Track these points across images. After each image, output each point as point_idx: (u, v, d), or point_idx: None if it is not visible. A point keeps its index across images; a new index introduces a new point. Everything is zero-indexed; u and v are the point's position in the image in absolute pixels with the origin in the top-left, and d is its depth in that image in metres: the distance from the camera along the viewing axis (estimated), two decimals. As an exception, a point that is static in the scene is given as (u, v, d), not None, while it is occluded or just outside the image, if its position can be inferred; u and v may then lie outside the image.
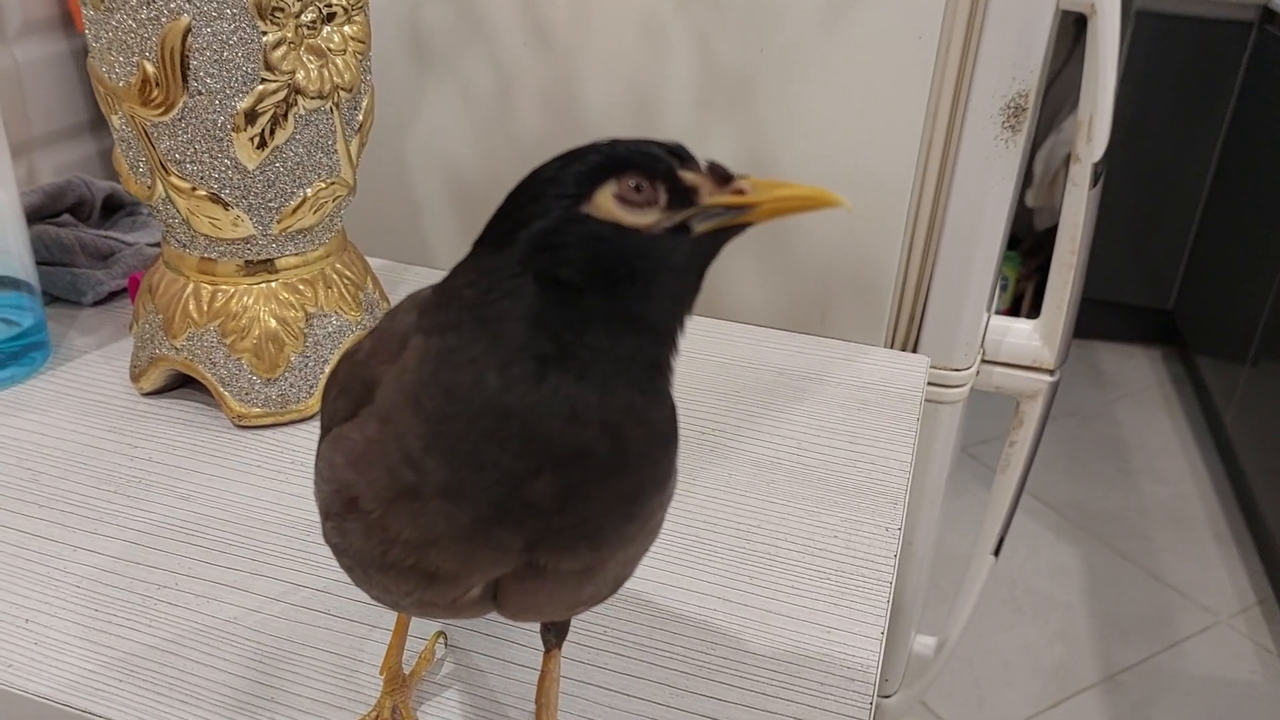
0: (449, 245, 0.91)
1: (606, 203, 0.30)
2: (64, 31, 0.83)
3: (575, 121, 0.83)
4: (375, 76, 0.86)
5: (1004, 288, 2.81)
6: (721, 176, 0.32)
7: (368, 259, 0.76)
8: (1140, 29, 2.33)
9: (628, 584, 0.37)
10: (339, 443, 0.34)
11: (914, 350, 0.86)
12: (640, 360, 0.31)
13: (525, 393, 0.30)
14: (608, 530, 0.32)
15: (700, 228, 0.31)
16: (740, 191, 0.32)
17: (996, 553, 1.00)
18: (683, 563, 0.50)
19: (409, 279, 0.75)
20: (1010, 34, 0.74)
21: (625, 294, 0.30)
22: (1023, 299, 2.84)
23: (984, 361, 0.91)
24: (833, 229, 0.81)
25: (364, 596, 0.46)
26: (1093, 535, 2.11)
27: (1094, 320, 2.72)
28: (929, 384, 0.86)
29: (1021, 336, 0.90)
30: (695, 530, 0.52)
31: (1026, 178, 2.80)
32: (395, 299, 0.72)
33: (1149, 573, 2.01)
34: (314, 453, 0.55)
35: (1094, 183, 0.81)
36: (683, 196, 0.31)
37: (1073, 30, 2.77)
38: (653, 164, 0.31)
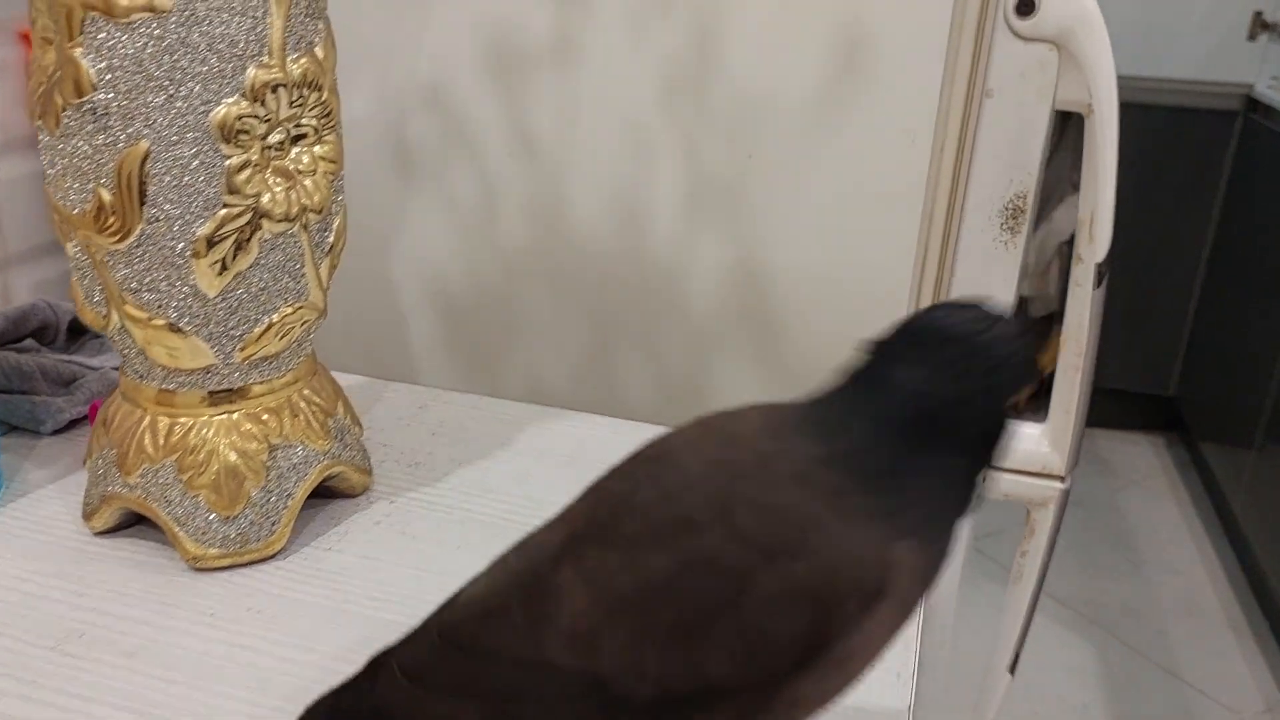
0: (434, 357, 0.88)
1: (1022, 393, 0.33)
2: (40, 148, 0.82)
3: (561, 231, 0.81)
4: (358, 189, 0.84)
5: (1002, 376, 2.78)
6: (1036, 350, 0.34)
7: (345, 376, 0.73)
8: (1125, 119, 2.34)
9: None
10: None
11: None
12: None
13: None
14: None
15: None
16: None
17: (1013, 669, 0.95)
18: None
19: (387, 396, 0.72)
20: (1006, 135, 0.72)
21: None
22: (1022, 387, 2.81)
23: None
24: (829, 333, 0.78)
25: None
26: (1106, 631, 2.05)
27: (1095, 408, 2.68)
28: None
29: (1029, 441, 0.87)
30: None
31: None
32: (371, 420, 0.69)
33: (1167, 670, 1.95)
34: (272, 596, 0.52)
35: (1098, 283, 0.78)
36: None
37: (1058, 120, 2.79)
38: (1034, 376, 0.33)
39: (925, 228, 0.76)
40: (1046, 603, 2.11)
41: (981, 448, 0.33)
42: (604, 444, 0.68)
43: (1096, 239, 0.77)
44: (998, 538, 2.21)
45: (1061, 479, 0.87)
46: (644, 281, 0.81)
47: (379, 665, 0.33)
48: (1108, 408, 2.71)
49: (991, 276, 0.76)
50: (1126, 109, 2.45)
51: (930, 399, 0.32)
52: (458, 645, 0.31)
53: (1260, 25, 2.23)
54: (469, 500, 0.60)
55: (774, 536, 0.29)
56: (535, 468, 0.64)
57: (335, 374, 0.73)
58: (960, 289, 0.76)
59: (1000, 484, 0.88)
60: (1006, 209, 0.74)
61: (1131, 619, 2.09)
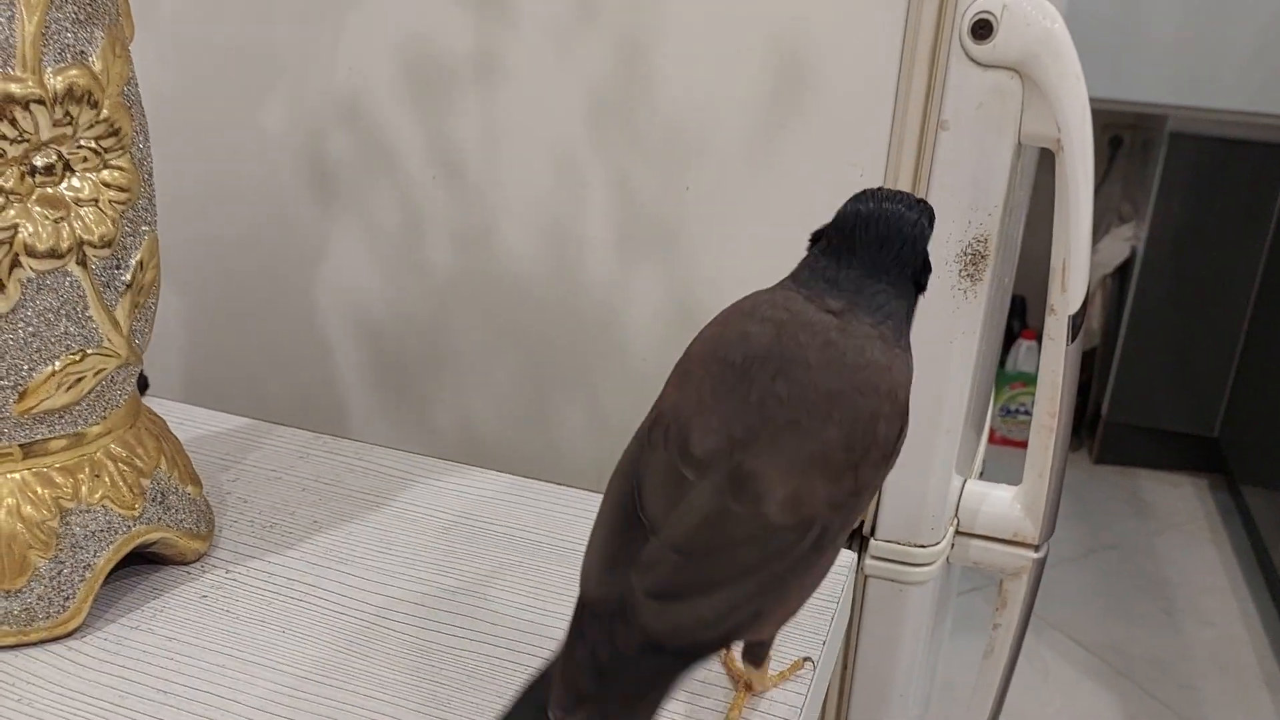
0: (361, 389, 0.82)
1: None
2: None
3: (489, 259, 0.75)
4: (274, 211, 0.78)
5: (1039, 410, 2.68)
6: None
7: (228, 419, 0.68)
8: (1175, 150, 2.24)
9: None
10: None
11: (873, 525, 0.74)
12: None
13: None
14: None
15: None
16: None
17: (982, 752, 0.87)
18: None
19: (268, 442, 0.66)
20: (964, 171, 0.64)
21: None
22: (1060, 422, 2.70)
23: (958, 533, 0.79)
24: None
25: None
26: (1133, 683, 1.94)
27: (1136, 447, 2.60)
28: (891, 561, 0.75)
29: (1000, 506, 0.78)
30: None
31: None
32: (238, 472, 0.63)
33: (1196, 728, 1.84)
34: (50, 684, 0.45)
35: (1072, 337, 0.70)
36: None
37: (1108, 149, 2.69)
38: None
39: (878, 271, 0.68)
40: (1071, 648, 2.01)
41: (918, 281, 0.47)
42: (493, 507, 0.61)
43: (1070, 289, 0.68)
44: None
45: (1035, 547, 0.79)
46: (578, 318, 0.75)
47: (615, 610, 0.38)
48: (1150, 447, 2.60)
49: (952, 328, 0.68)
50: (1176, 139, 2.36)
51: (893, 245, 0.45)
52: (701, 552, 0.39)
53: (1314, 53, 2.11)
54: (316, 572, 0.53)
55: (884, 386, 0.42)
56: (404, 535, 0.57)
57: (220, 414, 0.67)
58: (916, 342, 0.68)
59: (969, 551, 0.80)
60: (965, 254, 0.66)
61: (1161, 671, 1.98)
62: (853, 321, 0.43)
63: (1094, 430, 2.66)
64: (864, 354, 0.42)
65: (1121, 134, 2.63)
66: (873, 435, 0.41)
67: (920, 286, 0.47)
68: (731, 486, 0.39)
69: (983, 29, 0.61)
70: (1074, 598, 2.16)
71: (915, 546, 0.75)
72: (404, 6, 0.70)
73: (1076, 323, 0.70)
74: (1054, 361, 0.72)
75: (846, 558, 0.59)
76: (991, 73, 0.62)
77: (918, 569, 0.75)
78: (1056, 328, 0.70)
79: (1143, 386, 2.50)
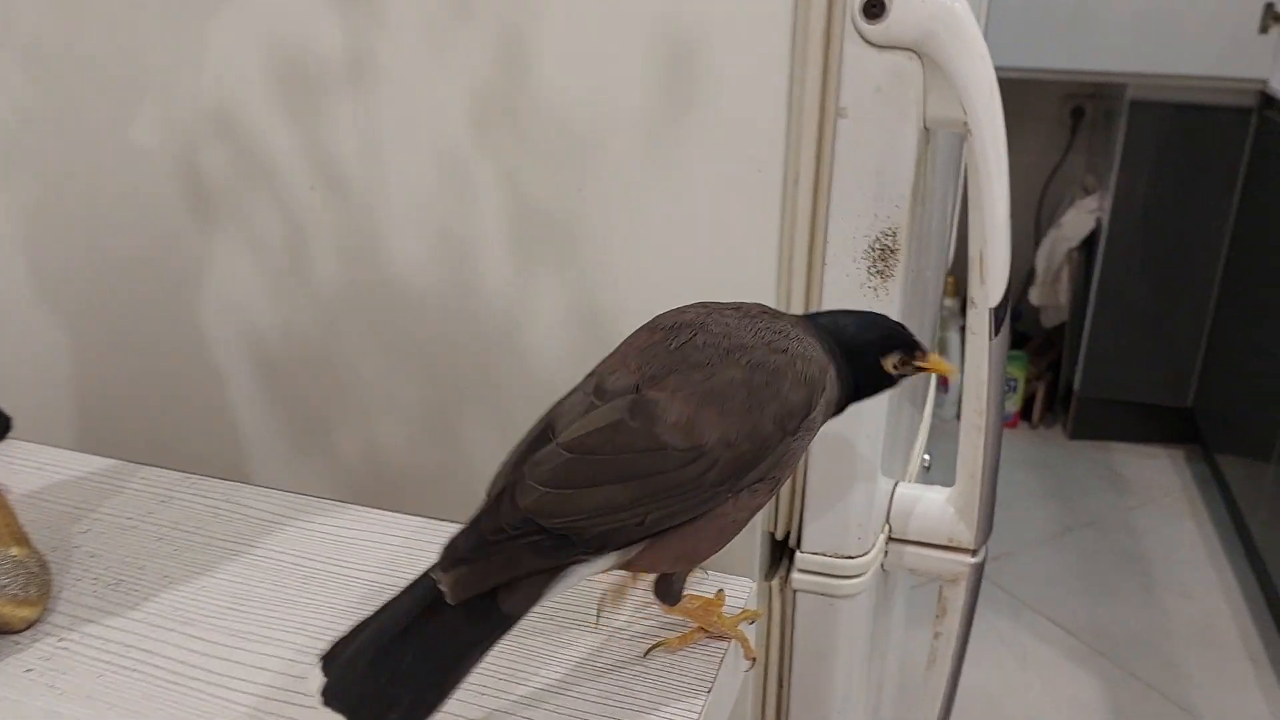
0: (258, 417, 0.77)
1: (889, 360, 0.54)
2: None
3: (380, 271, 0.71)
4: (153, 231, 0.74)
5: (1013, 389, 2.65)
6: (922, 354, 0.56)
7: (92, 459, 0.63)
8: (1136, 119, 2.20)
9: None
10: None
11: (798, 538, 0.70)
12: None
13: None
14: None
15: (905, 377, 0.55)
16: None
17: (930, 765, 0.83)
18: None
19: (131, 486, 0.61)
20: (866, 161, 0.60)
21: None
22: (1034, 399, 2.68)
23: (892, 539, 0.75)
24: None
25: None
26: (1114, 662, 1.91)
27: (1110, 420, 2.57)
28: (819, 574, 0.71)
29: (933, 508, 0.74)
30: None
31: (1029, 275, 2.66)
32: (92, 521, 0.58)
33: (1180, 706, 1.81)
34: None
35: (995, 330, 0.66)
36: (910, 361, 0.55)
37: (1070, 121, 2.65)
38: (910, 347, 0.55)
39: (785, 271, 0.64)
40: (1049, 629, 1.98)
41: (862, 375, 0.53)
42: (363, 552, 0.56)
43: (989, 281, 0.64)
44: (1007, 560, 2.09)
45: (972, 552, 0.75)
46: (478, 328, 0.70)
47: (503, 492, 0.43)
48: (1122, 419, 2.58)
49: (865, 326, 0.63)
50: (1137, 107, 2.31)
51: (849, 328, 0.53)
52: (588, 452, 0.43)
53: (1272, 18, 2.07)
54: (156, 636, 0.49)
55: (793, 350, 0.48)
56: (261, 589, 0.53)
57: (82, 455, 0.63)
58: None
59: (904, 558, 0.76)
60: (874, 249, 0.62)
61: (1142, 649, 1.96)
62: (783, 321, 0.50)
63: (1067, 406, 2.63)
64: (782, 328, 0.49)
65: (1083, 104, 2.60)
66: (776, 388, 0.46)
67: (861, 375, 0.53)
68: (631, 408, 0.44)
69: (875, 8, 0.56)
70: (1051, 578, 2.13)
71: (843, 558, 0.71)
72: (266, 9, 0.65)
73: (999, 316, 0.66)
74: (978, 357, 0.67)
75: (745, 588, 0.55)
76: (888, 54, 0.58)
77: (848, 581, 0.71)
78: (978, 321, 0.66)
79: (1114, 360, 2.47)
